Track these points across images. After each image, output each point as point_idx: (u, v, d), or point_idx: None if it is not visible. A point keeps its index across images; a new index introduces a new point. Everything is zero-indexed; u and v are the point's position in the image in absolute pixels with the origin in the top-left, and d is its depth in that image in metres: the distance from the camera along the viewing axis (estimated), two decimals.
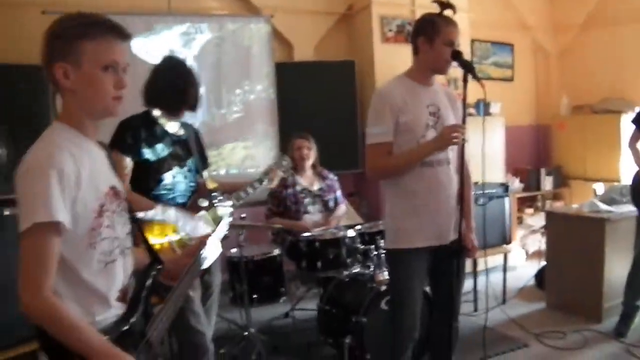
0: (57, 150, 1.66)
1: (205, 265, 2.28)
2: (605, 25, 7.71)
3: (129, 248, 1.92)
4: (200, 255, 2.20)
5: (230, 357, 4.26)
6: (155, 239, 2.80)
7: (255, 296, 4.40)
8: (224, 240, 2.50)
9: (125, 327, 1.79)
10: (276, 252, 4.56)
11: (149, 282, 1.95)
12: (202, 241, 2.24)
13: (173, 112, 3.11)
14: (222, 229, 2.45)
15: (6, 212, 4.00)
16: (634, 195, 4.58)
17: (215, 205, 3.24)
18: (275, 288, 4.53)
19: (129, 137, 2.98)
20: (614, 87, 7.52)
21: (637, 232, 4.54)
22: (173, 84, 2.99)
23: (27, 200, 1.61)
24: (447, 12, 3.00)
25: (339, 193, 5.01)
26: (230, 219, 2.68)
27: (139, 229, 2.05)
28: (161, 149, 3.09)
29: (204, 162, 3.43)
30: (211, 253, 2.27)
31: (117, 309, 1.83)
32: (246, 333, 4.43)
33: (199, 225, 3.07)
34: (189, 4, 5.79)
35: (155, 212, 2.89)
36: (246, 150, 5.89)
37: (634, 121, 4.62)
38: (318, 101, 6.24)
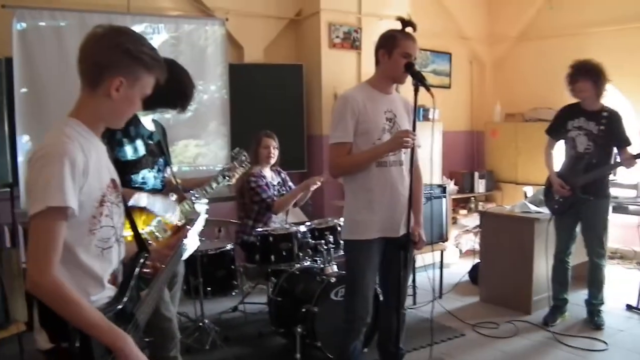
0: (69, 141, 1.80)
1: (185, 256, 2.49)
2: (538, 39, 8.23)
3: (122, 237, 2.09)
4: (181, 247, 2.40)
5: (184, 348, 4.41)
6: (140, 227, 2.93)
7: (209, 289, 4.56)
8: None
9: (118, 307, 1.94)
10: (229, 246, 4.72)
11: (137, 269, 2.11)
12: (182, 233, 2.44)
13: (160, 110, 3.25)
14: (200, 223, 2.64)
15: None
16: (545, 198, 5.08)
17: (191, 200, 3.39)
18: (228, 281, 4.69)
19: (119, 133, 3.07)
20: (544, 97, 7.98)
21: (555, 231, 4.99)
22: (174, 84, 3.09)
23: (41, 185, 1.74)
24: (408, 29, 3.26)
25: (291, 184, 5.22)
26: (207, 215, 2.85)
27: (128, 217, 2.20)
28: (140, 146, 3.21)
29: (168, 159, 3.55)
30: (191, 245, 2.47)
31: (109, 291, 1.99)
32: (201, 324, 4.61)
33: (171, 206, 3.24)
34: (147, 4, 5.88)
35: (139, 198, 3.04)
36: (198, 147, 6.03)
37: (547, 130, 5.10)
38: (267, 102, 6.40)
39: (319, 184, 4.80)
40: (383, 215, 3.28)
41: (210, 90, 6.06)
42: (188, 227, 2.53)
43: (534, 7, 8.19)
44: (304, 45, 6.91)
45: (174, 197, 3.33)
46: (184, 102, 3.28)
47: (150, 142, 3.29)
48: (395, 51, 3.22)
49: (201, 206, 3.11)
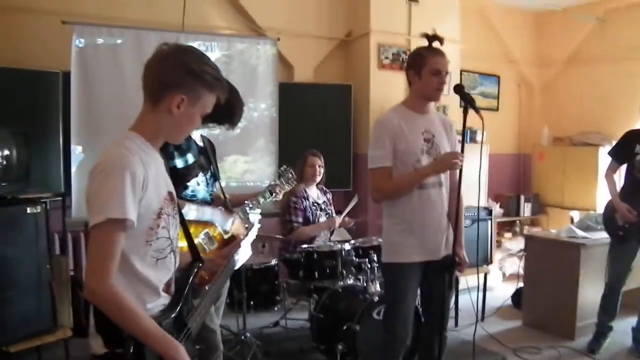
0: (130, 154, 1.88)
1: (238, 266, 2.54)
2: (587, 63, 8.17)
3: (177, 247, 2.15)
4: (233, 257, 2.46)
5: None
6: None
7: (252, 303, 4.62)
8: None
9: (173, 316, 2.00)
10: (273, 262, 4.79)
11: (191, 278, 2.17)
12: (236, 244, 2.50)
13: (217, 124, 3.35)
14: (253, 233, 2.71)
15: (29, 210, 4.24)
16: (605, 223, 4.93)
17: (245, 210, 3.48)
18: (271, 296, 4.75)
19: (171, 145, 3.15)
20: (592, 121, 7.92)
21: (609, 257, 4.87)
22: (224, 102, 3.19)
23: (101, 197, 1.81)
24: (436, 44, 3.28)
25: (332, 207, 5.30)
26: (259, 225, 2.91)
27: (183, 227, 2.27)
28: (190, 157, 3.32)
29: (217, 174, 3.65)
30: (243, 255, 2.53)
31: (164, 299, 2.06)
32: (243, 337, 4.67)
33: (234, 221, 3.33)
34: (201, 23, 6.04)
35: (188, 210, 3.13)
36: (246, 164, 6.13)
37: (610, 153, 4.99)
38: (315, 121, 6.50)
39: (342, 228, 5.00)
40: (422, 238, 3.29)
41: (260, 108, 6.16)
42: (241, 236, 2.59)
43: (584, 31, 8.13)
44: (353, 65, 6.99)
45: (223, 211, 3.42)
46: (233, 120, 3.37)
47: (200, 153, 3.39)
48: (424, 69, 3.23)
49: (254, 216, 3.18)
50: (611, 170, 4.93)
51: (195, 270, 2.21)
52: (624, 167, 4.88)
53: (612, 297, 4.82)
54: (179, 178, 3.23)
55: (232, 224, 3.35)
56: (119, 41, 5.38)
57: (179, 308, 2.05)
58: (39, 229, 4.32)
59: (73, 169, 5.27)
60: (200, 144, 3.46)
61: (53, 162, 5.27)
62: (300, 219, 4.96)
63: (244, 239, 2.56)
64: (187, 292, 2.12)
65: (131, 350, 1.82)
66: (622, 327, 5.08)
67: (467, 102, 3.15)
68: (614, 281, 4.80)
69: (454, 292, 3.64)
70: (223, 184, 5.59)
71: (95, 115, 5.28)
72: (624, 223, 4.71)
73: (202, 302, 2.22)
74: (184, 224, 2.29)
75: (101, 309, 1.81)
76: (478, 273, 4.75)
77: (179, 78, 1.95)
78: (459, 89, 3.24)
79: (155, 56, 1.98)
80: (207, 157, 3.50)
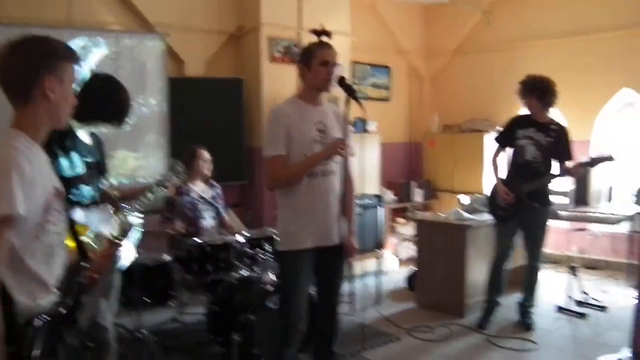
0: (16, 152, 1.90)
1: (121, 266, 2.56)
2: (474, 53, 8.56)
3: (65, 243, 2.18)
4: (116, 256, 2.49)
5: (121, 358, 4.40)
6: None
7: (147, 300, 4.59)
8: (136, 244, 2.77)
9: (63, 311, 2.03)
10: (167, 258, 4.76)
11: (80, 275, 2.20)
12: (115, 245, 2.52)
13: (99, 124, 3.31)
14: (135, 235, 2.73)
15: None
16: (490, 206, 5.22)
17: (124, 213, 3.43)
18: (166, 293, 4.73)
19: (53, 145, 3.06)
20: (479, 108, 8.29)
21: (496, 238, 5.17)
22: (111, 99, 3.21)
23: None
24: (324, 38, 3.41)
25: (223, 202, 5.33)
26: (140, 228, 2.92)
27: (70, 227, 2.28)
28: (76, 159, 3.25)
29: (105, 171, 3.60)
30: (126, 256, 2.56)
31: (54, 296, 2.07)
32: (138, 334, 4.62)
33: (105, 224, 3.29)
34: (87, 18, 5.89)
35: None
36: (137, 160, 6.05)
37: (497, 139, 5.29)
38: (207, 115, 6.48)
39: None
40: (315, 225, 3.37)
41: (150, 103, 6.10)
42: (122, 238, 2.62)
43: (470, 22, 8.51)
44: (245, 59, 7.01)
45: (110, 208, 3.38)
46: (120, 118, 3.33)
47: (91, 160, 3.33)
48: (313, 62, 3.34)
49: (134, 219, 3.16)
50: (495, 155, 5.21)
51: (83, 268, 2.24)
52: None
53: (497, 273, 5.12)
54: (69, 183, 3.18)
55: (109, 228, 3.32)
56: (2, 39, 5.14)
57: (68, 304, 2.08)
58: None
59: None
60: (88, 140, 3.41)
61: None
62: (172, 214, 4.98)
63: (124, 240, 2.58)
64: (75, 289, 2.15)
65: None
66: (509, 303, 5.38)
67: (349, 94, 3.29)
68: (498, 258, 5.11)
69: (346, 277, 3.72)
70: (114, 182, 5.54)
71: None
72: (504, 204, 4.99)
73: (90, 299, 2.25)
74: (72, 222, 2.30)
75: None
76: (370, 258, 4.88)
77: (38, 64, 1.97)
78: (341, 81, 3.35)
79: (3, 58, 1.99)
80: (95, 154, 3.45)
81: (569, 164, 4.97)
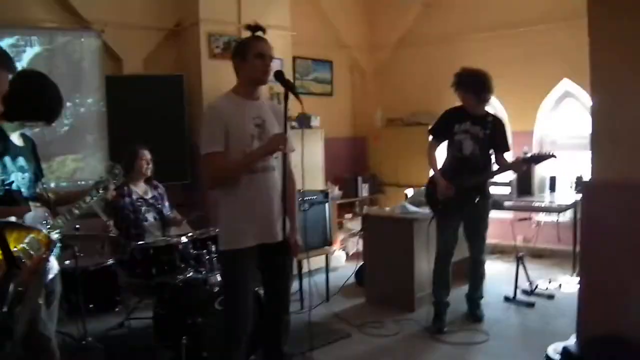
0: None
1: (49, 277, 2.48)
2: (416, 47, 8.60)
3: None
4: (45, 269, 2.41)
5: None
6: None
7: (91, 306, 4.47)
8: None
9: None
10: (110, 262, 4.64)
11: (10, 285, 2.13)
12: (43, 258, 2.44)
13: (27, 123, 3.16)
14: (56, 251, 2.65)
15: None
16: (428, 200, 5.14)
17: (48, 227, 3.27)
18: (111, 298, 4.63)
19: None
20: (422, 101, 8.33)
21: (437, 233, 5.05)
22: (39, 97, 3.03)
23: None
24: (259, 33, 3.38)
25: (167, 203, 5.21)
26: (59, 244, 2.86)
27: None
28: (7, 161, 3.11)
29: (39, 174, 3.46)
30: (52, 268, 2.48)
31: None
32: (84, 342, 4.49)
33: (42, 217, 3.16)
34: (18, 15, 5.68)
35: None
36: (76, 162, 5.89)
37: (430, 131, 5.22)
38: (147, 114, 6.32)
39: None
40: (258, 222, 3.32)
41: (87, 103, 5.94)
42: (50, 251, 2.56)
43: (412, 15, 8.53)
44: (185, 55, 6.89)
45: (45, 211, 3.25)
46: (50, 114, 3.19)
47: (23, 163, 3.19)
48: (249, 54, 3.31)
49: (54, 235, 3.06)
50: (432, 148, 5.10)
51: (13, 278, 2.19)
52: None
53: (444, 269, 5.02)
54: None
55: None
56: None
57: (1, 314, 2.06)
58: None
59: None
60: (20, 143, 3.27)
61: None
62: (116, 218, 4.84)
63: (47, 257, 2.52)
64: (7, 299, 2.12)
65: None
66: (457, 296, 5.36)
67: (287, 88, 3.25)
68: (442, 253, 5.01)
69: (293, 275, 3.68)
70: (53, 185, 5.38)
71: None
72: (443, 198, 4.88)
73: (23, 309, 2.21)
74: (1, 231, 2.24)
75: None
76: (316, 255, 4.81)
77: None
78: (278, 75, 3.30)
79: None
80: (28, 156, 3.31)
81: (506, 155, 4.97)
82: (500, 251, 7.49)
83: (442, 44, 8.17)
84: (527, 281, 5.75)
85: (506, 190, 6.88)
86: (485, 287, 5.30)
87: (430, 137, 5.17)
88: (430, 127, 5.29)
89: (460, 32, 7.98)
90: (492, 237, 7.16)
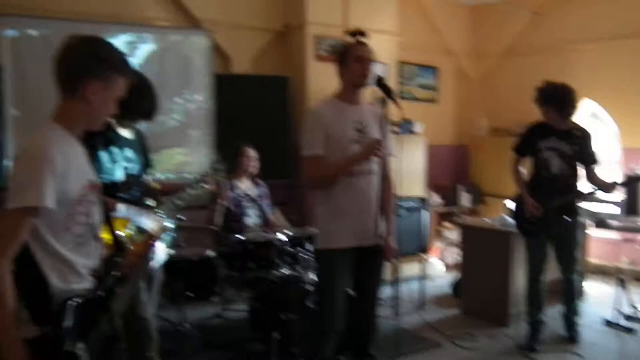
0: (50, 144, 1.97)
1: (155, 264, 2.58)
2: (523, 55, 8.35)
3: (100, 235, 2.23)
4: (149, 256, 2.51)
5: (165, 351, 4.44)
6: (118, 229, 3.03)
7: (190, 294, 4.61)
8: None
9: (95, 296, 2.09)
10: (211, 253, 4.78)
11: (113, 266, 2.24)
12: (149, 244, 2.55)
13: (129, 120, 3.33)
14: (168, 238, 2.75)
15: None
16: (516, 218, 4.94)
17: (159, 214, 3.43)
18: (209, 288, 4.75)
19: (96, 138, 3.16)
20: (528, 112, 7.98)
21: (527, 251, 4.88)
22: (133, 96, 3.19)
23: (21, 183, 1.92)
24: (359, 38, 3.45)
25: (269, 201, 5.32)
26: (173, 234, 2.96)
27: (107, 222, 2.35)
28: (114, 151, 3.29)
29: (147, 164, 3.63)
30: (159, 255, 2.58)
31: (89, 282, 2.12)
32: (181, 328, 4.65)
33: (146, 219, 3.30)
34: (135, 14, 5.95)
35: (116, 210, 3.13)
36: (183, 156, 6.10)
37: (516, 148, 4.97)
38: (253, 112, 6.46)
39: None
40: (354, 224, 3.36)
41: (196, 100, 6.13)
42: (156, 238, 2.65)
43: (520, 23, 8.30)
44: (291, 57, 6.99)
45: (151, 202, 3.39)
46: (150, 113, 3.35)
47: (131, 154, 3.36)
48: (348, 58, 3.40)
49: (168, 223, 3.19)
50: (516, 165, 4.94)
51: (119, 259, 2.29)
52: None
53: (535, 287, 4.84)
54: (104, 170, 3.21)
55: (149, 224, 3.33)
56: (51, 32, 5.25)
57: (101, 291, 2.14)
58: None
59: (8, 163, 5.12)
60: (129, 135, 3.44)
61: None
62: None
63: (157, 242, 2.61)
64: (109, 279, 2.20)
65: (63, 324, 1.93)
66: (553, 314, 5.12)
67: (386, 94, 3.28)
68: (533, 273, 4.84)
69: (385, 279, 3.68)
70: (161, 177, 5.61)
71: (32, 107, 5.17)
72: (530, 217, 4.71)
73: (125, 290, 2.29)
74: (108, 216, 2.38)
75: None
76: (410, 262, 4.77)
77: (90, 66, 2.05)
78: (378, 80, 3.34)
79: (64, 49, 2.07)
80: (136, 148, 3.47)
81: (595, 169, 4.71)
82: (604, 272, 7.16)
83: (551, 53, 7.89)
84: (629, 306, 5.47)
85: (613, 209, 6.57)
86: (586, 308, 5.08)
87: (514, 154, 4.96)
88: (514, 143, 5.01)
89: (571, 41, 7.65)
90: (595, 256, 6.92)
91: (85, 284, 2.10)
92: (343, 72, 3.48)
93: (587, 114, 7.44)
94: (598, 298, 6.11)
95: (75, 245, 2.07)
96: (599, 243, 6.88)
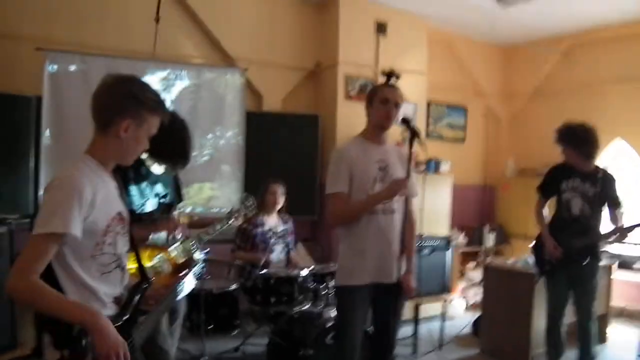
0: (80, 175, 2.09)
1: (181, 296, 2.69)
2: (553, 96, 8.39)
3: (126, 264, 2.32)
4: (177, 288, 2.61)
5: None
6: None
7: (210, 327, 4.70)
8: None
9: (118, 324, 2.14)
10: (233, 287, 4.87)
11: (138, 295, 2.32)
12: (179, 277, 2.65)
13: (165, 162, 3.46)
14: (197, 270, 2.85)
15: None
16: (536, 258, 4.95)
17: (192, 246, 3.55)
18: (230, 321, 4.84)
19: (129, 172, 3.31)
20: (556, 152, 8.07)
21: (547, 293, 4.85)
22: (172, 142, 3.31)
23: (49, 210, 2.01)
24: (393, 80, 3.53)
25: (293, 237, 5.44)
26: (204, 265, 3.05)
27: (134, 251, 2.44)
28: (145, 186, 3.43)
29: (179, 198, 3.75)
30: (187, 286, 2.68)
31: (111, 310, 2.21)
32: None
33: (179, 250, 3.43)
34: (171, 51, 6.14)
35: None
36: (212, 190, 6.22)
37: (538, 188, 5.01)
38: (282, 150, 6.61)
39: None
40: (373, 261, 3.41)
41: (227, 136, 6.27)
42: (187, 270, 2.75)
43: (549, 64, 8.38)
44: (322, 96, 7.13)
45: (179, 235, 3.52)
46: (186, 156, 3.47)
47: (157, 182, 3.49)
48: (375, 99, 3.49)
49: (199, 255, 3.30)
50: (539, 206, 4.95)
51: (141, 288, 2.35)
52: None
53: (555, 329, 4.79)
54: (135, 202, 3.34)
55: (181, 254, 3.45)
56: (90, 68, 5.44)
57: (123, 319, 2.21)
58: (3, 248, 4.50)
59: (41, 193, 5.26)
60: (159, 171, 3.55)
61: (23, 184, 5.26)
62: (243, 243, 5.17)
63: (188, 273, 2.71)
64: (131, 307, 2.27)
65: (83, 345, 1.99)
66: (571, 357, 4.97)
67: (412, 133, 3.35)
68: (551, 314, 4.80)
69: (404, 317, 3.73)
70: (189, 210, 5.74)
71: (66, 139, 5.32)
72: (550, 258, 4.71)
73: (146, 320, 2.36)
74: (135, 247, 2.45)
75: (23, 300, 2.00)
76: (426, 303, 4.81)
77: (124, 105, 2.16)
78: (404, 120, 3.41)
79: (101, 87, 2.20)
80: (167, 183, 3.61)
81: (619, 212, 4.65)
82: (629, 315, 7.11)
83: (580, 94, 7.93)
84: None
85: (638, 250, 6.52)
86: (608, 352, 5.04)
87: (539, 195, 4.99)
88: (538, 184, 5.04)
89: (599, 82, 7.70)
90: (619, 299, 6.85)
91: (108, 311, 2.18)
92: (369, 113, 3.57)
93: (617, 153, 7.46)
94: (622, 342, 6.05)
95: (99, 274, 2.17)
96: (623, 285, 6.83)
